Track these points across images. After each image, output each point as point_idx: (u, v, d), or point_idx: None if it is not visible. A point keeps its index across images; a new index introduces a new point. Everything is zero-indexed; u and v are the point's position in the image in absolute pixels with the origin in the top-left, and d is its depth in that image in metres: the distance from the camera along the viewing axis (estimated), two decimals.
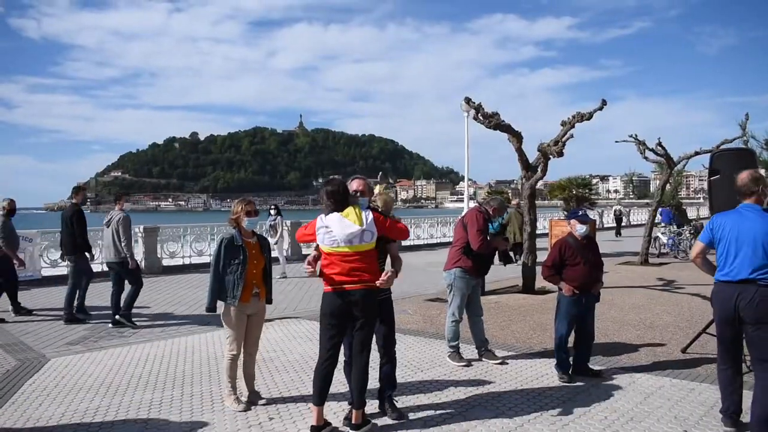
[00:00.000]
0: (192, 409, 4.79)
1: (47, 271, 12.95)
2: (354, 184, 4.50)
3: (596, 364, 5.83)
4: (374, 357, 4.51)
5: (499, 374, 5.68)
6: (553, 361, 5.71)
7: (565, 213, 22.63)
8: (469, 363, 6.00)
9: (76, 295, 8.65)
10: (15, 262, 8.82)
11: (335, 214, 4.23)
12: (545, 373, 5.67)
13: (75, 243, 8.61)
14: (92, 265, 9.35)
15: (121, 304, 8.10)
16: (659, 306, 9.28)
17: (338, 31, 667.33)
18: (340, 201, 4.25)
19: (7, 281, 8.90)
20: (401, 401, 4.86)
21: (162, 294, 11.09)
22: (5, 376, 5.76)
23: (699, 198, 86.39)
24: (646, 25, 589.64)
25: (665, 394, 5.07)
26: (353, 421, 4.23)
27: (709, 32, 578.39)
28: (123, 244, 8.06)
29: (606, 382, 5.39)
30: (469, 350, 6.30)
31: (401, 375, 5.62)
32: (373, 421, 4.38)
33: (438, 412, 4.65)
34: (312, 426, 4.20)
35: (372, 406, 4.59)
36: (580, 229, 5.53)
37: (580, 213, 5.65)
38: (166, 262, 14.51)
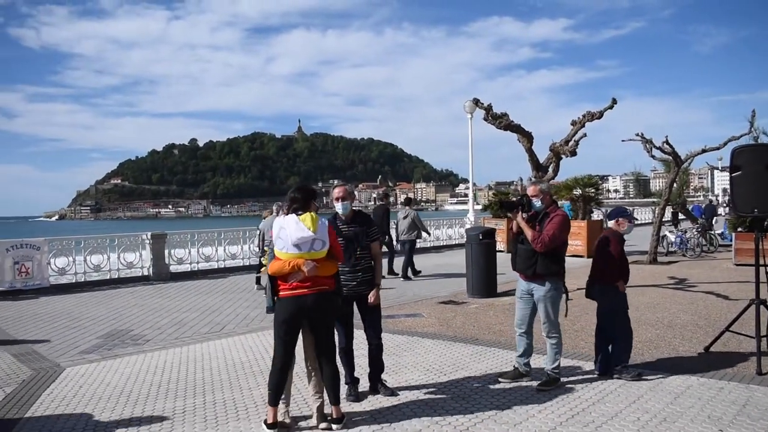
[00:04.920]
0: (216, 417, 4.70)
1: (54, 279, 12.85)
2: (335, 192, 4.97)
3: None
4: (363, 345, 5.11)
5: (526, 377, 5.59)
6: (577, 363, 5.62)
7: (572, 212, 22.55)
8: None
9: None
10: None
11: (292, 216, 4.30)
12: (573, 375, 5.58)
13: (383, 230, 12.46)
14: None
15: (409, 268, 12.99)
16: (675, 305, 9.20)
17: (336, 37, 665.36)
18: (302, 203, 4.35)
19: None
20: (430, 405, 4.82)
21: (172, 301, 11.01)
22: (22, 386, 5.67)
23: (698, 196, 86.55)
24: (640, 26, 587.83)
25: (695, 393, 4.99)
26: (334, 416, 4.37)
27: (702, 31, 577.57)
28: (421, 228, 13.74)
29: (634, 382, 5.31)
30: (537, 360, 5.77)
31: (425, 379, 5.57)
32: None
33: (467, 416, 4.56)
34: (268, 423, 4.28)
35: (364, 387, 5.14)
36: (629, 228, 5.58)
37: (628, 212, 5.65)
38: (173, 269, 14.43)
